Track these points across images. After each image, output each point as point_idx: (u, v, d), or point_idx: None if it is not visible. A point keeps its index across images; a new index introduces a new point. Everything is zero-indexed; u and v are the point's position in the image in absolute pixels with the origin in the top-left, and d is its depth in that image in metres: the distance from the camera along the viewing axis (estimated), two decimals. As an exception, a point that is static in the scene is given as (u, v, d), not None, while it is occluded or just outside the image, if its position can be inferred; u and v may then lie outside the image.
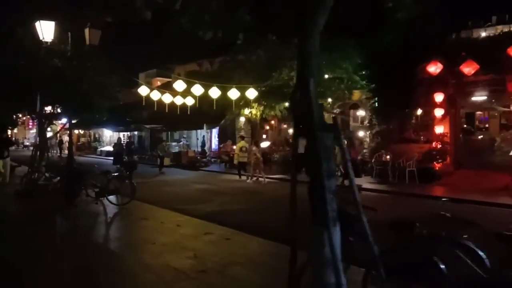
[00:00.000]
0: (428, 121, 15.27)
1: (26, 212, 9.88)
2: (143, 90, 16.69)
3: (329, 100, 23.57)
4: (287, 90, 21.20)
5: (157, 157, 19.71)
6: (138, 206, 10.29)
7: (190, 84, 15.93)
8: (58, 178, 12.02)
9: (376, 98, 16.62)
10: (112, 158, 29.16)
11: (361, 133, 17.96)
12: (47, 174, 12.40)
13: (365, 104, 28.97)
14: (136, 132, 32.57)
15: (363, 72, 16.99)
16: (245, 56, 23.78)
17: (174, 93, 17.72)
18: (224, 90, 16.83)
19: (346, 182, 13.85)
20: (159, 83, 39.15)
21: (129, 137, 21.05)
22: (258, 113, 22.71)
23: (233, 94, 15.67)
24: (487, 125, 25.89)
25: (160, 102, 17.86)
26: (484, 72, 13.43)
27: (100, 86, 11.80)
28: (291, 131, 27.96)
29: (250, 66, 20.64)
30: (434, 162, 14.52)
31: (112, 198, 10.41)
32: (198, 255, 6.15)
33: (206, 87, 16.45)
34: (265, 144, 21.03)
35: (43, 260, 6.11)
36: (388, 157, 14.60)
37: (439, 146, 14.63)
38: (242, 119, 23.91)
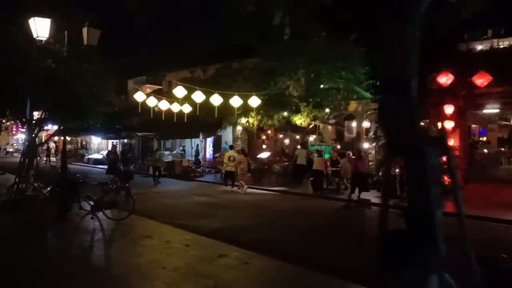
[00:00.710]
0: (435, 134, 14.73)
1: (14, 227, 8.93)
2: (138, 96, 15.86)
3: (327, 110, 23.13)
4: (286, 99, 20.65)
5: (152, 167, 18.77)
6: (137, 221, 9.43)
7: (189, 91, 15.15)
8: (48, 188, 11.14)
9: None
10: (101, 166, 28.18)
11: (365, 145, 17.34)
12: (36, 184, 11.45)
13: (361, 115, 28.62)
14: (125, 140, 31.53)
15: (371, 81, 16.39)
16: (240, 64, 23.28)
17: (171, 100, 16.98)
18: (225, 97, 16.13)
19: (354, 196, 13.10)
20: (148, 90, 38.14)
21: (124, 145, 19.91)
22: (255, 122, 22.07)
23: (235, 101, 14.93)
24: (484, 138, 25.61)
25: (152, 109, 17.11)
26: (498, 84, 12.98)
27: (97, 90, 10.98)
28: (287, 141, 27.40)
29: (249, 74, 20.06)
30: (444, 177, 13.95)
31: (108, 212, 9.53)
32: (218, 284, 5.37)
33: (206, 94, 15.72)
34: (264, 155, 20.31)
35: (34, 285, 5.27)
36: (397, 170, 13.99)
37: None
38: (239, 128, 23.20)
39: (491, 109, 14.54)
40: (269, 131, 24.91)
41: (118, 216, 9.40)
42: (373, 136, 16.08)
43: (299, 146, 20.30)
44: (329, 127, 30.56)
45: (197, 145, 25.13)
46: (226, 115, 20.83)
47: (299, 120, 21.90)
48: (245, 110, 20.15)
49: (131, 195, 9.59)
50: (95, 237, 8.09)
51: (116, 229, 8.69)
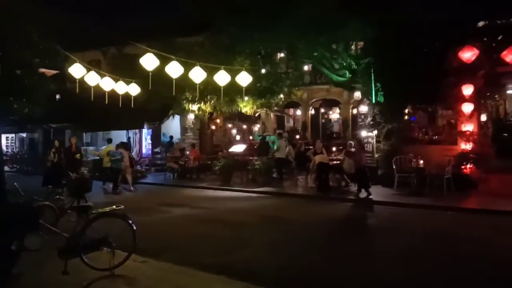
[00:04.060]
0: (452, 118, 12.95)
1: None
2: (75, 70, 11.16)
3: (281, 96, 20.60)
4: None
5: (111, 169, 14.00)
6: (142, 269, 5.61)
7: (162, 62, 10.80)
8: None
9: (381, 92, 13.67)
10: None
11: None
12: None
13: (306, 102, 26.69)
14: (24, 134, 25.21)
15: (366, 60, 13.91)
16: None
17: (116, 77, 12.58)
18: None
19: (361, 194, 10.28)
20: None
21: (59, 140, 13.90)
22: (208, 109, 18.48)
23: (222, 78, 11.15)
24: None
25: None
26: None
27: (45, 54, 6.69)
28: (234, 131, 24.14)
29: (211, 49, 16.37)
30: (466, 167, 12.15)
31: (89, 256, 5.47)
32: None
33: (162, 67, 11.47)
34: (239, 148, 16.78)
35: None
36: (421, 162, 11.73)
37: (470, 147, 12.30)
38: (191, 117, 19.24)
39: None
40: (218, 120, 21.39)
41: (107, 262, 5.40)
42: (371, 122, 13.66)
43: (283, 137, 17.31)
44: (272, 115, 28.14)
45: (129, 138, 20.42)
46: (176, 100, 16.97)
47: (245, 107, 19.05)
48: (201, 94, 16.45)
49: (131, 224, 5.62)
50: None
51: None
